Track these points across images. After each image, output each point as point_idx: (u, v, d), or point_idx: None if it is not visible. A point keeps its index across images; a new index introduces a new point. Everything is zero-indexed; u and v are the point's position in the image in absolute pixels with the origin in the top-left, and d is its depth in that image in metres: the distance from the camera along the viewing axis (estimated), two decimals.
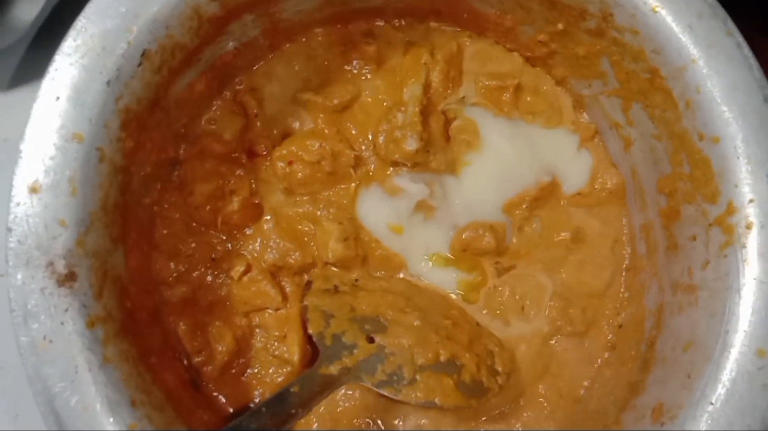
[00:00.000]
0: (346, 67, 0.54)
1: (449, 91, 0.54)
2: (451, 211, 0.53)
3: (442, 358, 0.48)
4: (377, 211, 0.52)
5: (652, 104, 0.46)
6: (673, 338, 0.44)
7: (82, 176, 0.39)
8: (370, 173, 0.53)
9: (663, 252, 0.48)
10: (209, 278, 0.51)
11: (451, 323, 0.50)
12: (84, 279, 0.39)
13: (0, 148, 0.60)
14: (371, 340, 0.48)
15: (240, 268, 0.50)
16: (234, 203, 0.51)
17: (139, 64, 0.41)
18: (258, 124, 0.52)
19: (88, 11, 0.40)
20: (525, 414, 0.52)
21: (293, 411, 0.43)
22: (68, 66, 0.39)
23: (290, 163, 0.51)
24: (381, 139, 0.52)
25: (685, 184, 0.45)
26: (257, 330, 0.51)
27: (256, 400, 0.50)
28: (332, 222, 0.52)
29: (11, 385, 0.56)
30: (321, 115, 0.53)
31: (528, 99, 0.54)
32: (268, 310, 0.51)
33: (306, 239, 0.52)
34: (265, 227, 0.52)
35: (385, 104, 0.53)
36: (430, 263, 0.53)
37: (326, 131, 0.53)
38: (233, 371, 0.50)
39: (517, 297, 0.53)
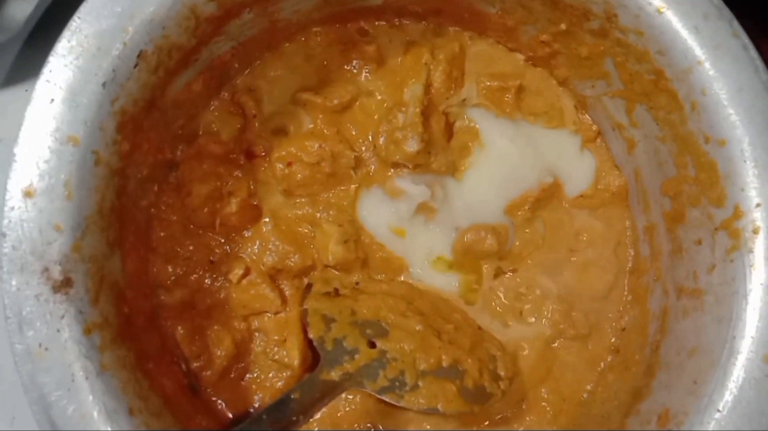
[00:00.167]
0: (345, 66, 0.53)
1: (451, 92, 0.53)
2: (452, 212, 0.52)
3: (445, 363, 0.47)
4: (378, 213, 0.52)
5: (656, 106, 0.45)
6: (678, 343, 0.44)
7: (78, 180, 0.38)
8: (371, 174, 0.52)
9: (667, 255, 0.48)
10: (207, 281, 0.50)
11: (453, 327, 0.49)
12: (80, 285, 0.38)
13: None
14: (372, 345, 0.48)
15: (239, 271, 0.50)
16: (232, 205, 0.50)
17: (135, 65, 0.40)
18: (256, 124, 0.52)
19: (82, 11, 0.39)
20: (528, 418, 0.51)
21: (294, 418, 0.42)
22: (63, 67, 0.39)
23: (289, 164, 0.51)
24: (381, 139, 0.52)
25: (690, 187, 0.44)
26: (256, 334, 0.50)
27: (256, 405, 0.49)
28: (332, 225, 0.51)
29: (7, 388, 0.56)
30: (320, 116, 0.52)
31: (530, 99, 0.54)
32: (268, 314, 0.51)
33: (305, 241, 0.51)
34: (264, 229, 0.51)
35: (385, 104, 0.52)
36: (432, 268, 0.52)
37: (326, 132, 0.52)
38: (232, 375, 0.50)
39: (519, 300, 0.53)
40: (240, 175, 0.51)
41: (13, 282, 0.37)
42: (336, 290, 0.50)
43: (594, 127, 0.54)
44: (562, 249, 0.53)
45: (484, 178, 0.52)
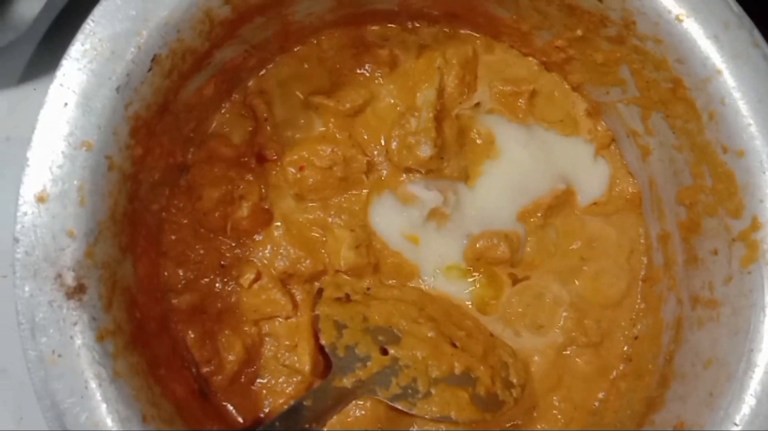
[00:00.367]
0: (358, 70, 0.53)
1: (464, 96, 0.53)
2: (464, 218, 0.52)
3: (457, 371, 0.47)
4: (390, 219, 0.51)
5: (673, 114, 0.45)
6: (693, 353, 0.44)
7: (91, 185, 0.38)
8: (382, 179, 0.52)
9: (682, 265, 0.47)
10: (218, 285, 0.50)
11: (465, 334, 0.49)
12: (93, 291, 0.38)
13: (2, 148, 0.59)
14: (385, 352, 0.47)
15: (250, 276, 0.49)
16: (243, 209, 0.50)
17: (149, 69, 0.40)
18: (268, 128, 0.51)
19: (96, 14, 0.39)
20: (539, 426, 0.51)
21: (306, 425, 0.42)
22: (76, 71, 0.38)
23: (301, 169, 0.50)
24: (394, 144, 0.51)
25: (706, 197, 0.44)
26: (267, 339, 0.50)
27: (266, 410, 0.49)
28: (344, 230, 0.51)
29: (15, 388, 0.56)
30: (332, 120, 0.52)
31: (543, 105, 0.53)
32: (278, 319, 0.50)
33: (317, 246, 0.51)
34: (275, 233, 0.51)
35: (398, 109, 0.52)
36: (444, 276, 0.52)
37: (338, 136, 0.51)
38: (242, 380, 0.50)
39: (530, 307, 0.52)
40: (251, 178, 0.51)
41: (26, 288, 0.37)
42: (347, 295, 0.50)
43: (608, 134, 0.53)
44: (575, 256, 0.53)
45: (497, 184, 0.52)
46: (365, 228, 0.51)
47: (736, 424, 0.38)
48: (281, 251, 0.50)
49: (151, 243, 0.47)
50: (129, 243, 0.42)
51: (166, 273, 0.48)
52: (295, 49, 0.52)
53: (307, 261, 0.50)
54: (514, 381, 0.49)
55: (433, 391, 0.46)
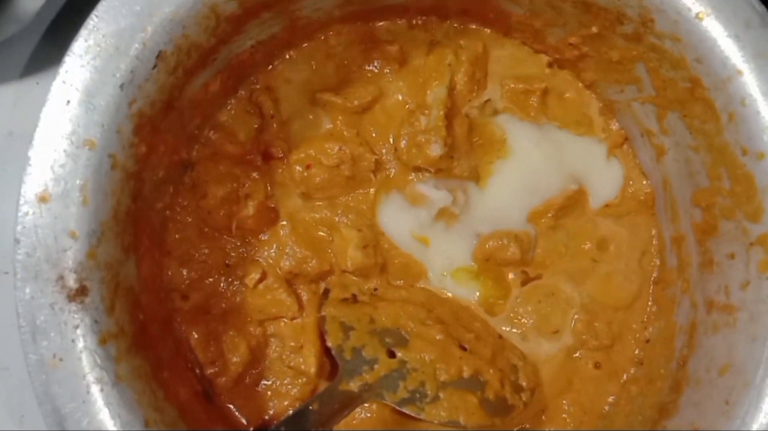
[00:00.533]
0: (366, 66, 0.51)
1: (474, 94, 0.52)
2: (473, 218, 0.51)
3: (465, 374, 0.46)
4: (399, 220, 0.50)
5: (690, 114, 0.44)
6: (708, 359, 0.43)
7: (94, 184, 0.37)
8: (390, 178, 0.51)
9: (696, 268, 0.46)
10: (223, 285, 0.49)
11: (473, 336, 0.48)
12: (95, 294, 0.37)
13: (5, 142, 0.58)
14: (392, 354, 0.47)
15: (255, 275, 0.49)
16: (249, 207, 0.49)
17: (154, 66, 0.39)
18: (274, 125, 0.50)
19: (100, 9, 0.38)
20: (547, 430, 0.50)
21: (312, 429, 0.41)
22: (79, 68, 0.37)
23: (308, 167, 0.49)
24: (403, 143, 0.50)
25: (724, 199, 0.43)
26: (272, 340, 0.49)
27: (271, 412, 0.49)
28: (351, 229, 0.50)
29: (17, 387, 0.55)
30: (340, 117, 0.51)
31: (555, 103, 0.52)
32: (284, 319, 0.50)
33: (323, 246, 0.50)
34: (281, 233, 0.50)
35: (407, 106, 0.51)
36: (453, 278, 0.51)
37: (345, 134, 0.50)
38: (247, 382, 0.49)
39: (541, 309, 0.51)
40: (257, 176, 0.50)
41: (27, 290, 0.36)
42: (354, 296, 0.49)
43: (621, 133, 0.52)
44: (586, 257, 0.52)
45: (508, 183, 0.51)
46: (373, 228, 0.51)
47: None
48: (287, 251, 0.49)
49: (155, 243, 0.46)
50: (132, 243, 0.41)
51: (169, 273, 0.48)
52: (303, 45, 0.51)
53: (314, 261, 0.49)
54: (524, 384, 0.48)
55: (441, 395, 0.45)
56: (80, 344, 0.36)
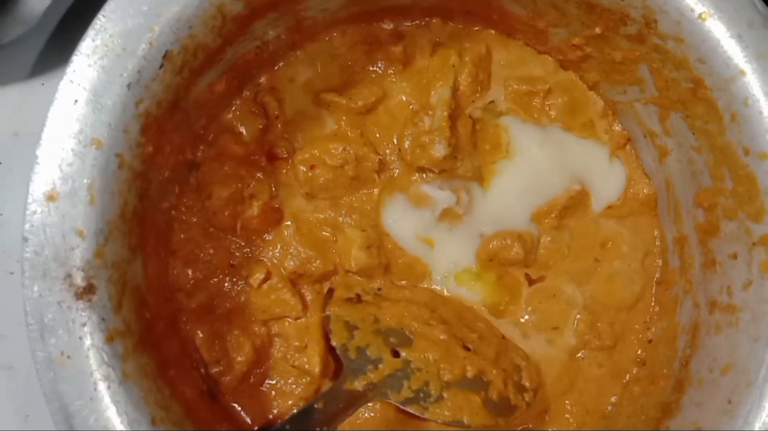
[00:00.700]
0: (370, 67, 0.52)
1: (477, 95, 0.52)
2: (477, 219, 0.51)
3: (469, 374, 0.46)
4: (404, 222, 0.51)
5: (693, 115, 0.44)
6: (711, 359, 0.43)
7: (101, 183, 0.37)
8: (394, 178, 0.51)
9: (698, 268, 0.47)
10: (227, 285, 0.49)
11: (477, 336, 0.48)
12: (103, 292, 0.37)
13: (10, 143, 0.59)
14: (396, 354, 0.47)
15: (260, 275, 0.49)
16: (253, 208, 0.49)
17: (161, 66, 0.39)
18: (279, 125, 0.51)
19: (107, 9, 0.38)
20: (550, 430, 0.50)
21: (317, 428, 0.41)
22: (87, 67, 0.37)
23: (312, 167, 0.50)
24: (407, 143, 0.50)
25: (726, 200, 0.43)
26: (276, 340, 0.50)
27: (275, 412, 0.49)
28: (355, 229, 0.50)
29: (22, 386, 0.55)
30: (344, 118, 0.51)
31: (559, 104, 0.52)
32: (288, 319, 0.50)
33: (327, 246, 0.50)
34: (286, 233, 0.50)
35: (411, 107, 0.51)
36: (455, 281, 0.51)
37: (350, 134, 0.51)
38: (251, 381, 0.49)
39: (543, 309, 0.51)
40: (262, 177, 0.50)
41: (35, 289, 0.36)
42: (358, 296, 0.50)
43: (624, 133, 0.52)
44: (589, 258, 0.52)
45: (511, 184, 0.51)
46: (376, 228, 0.51)
47: None
48: (291, 251, 0.50)
49: (160, 242, 0.46)
50: (139, 242, 0.41)
51: (175, 273, 0.48)
52: (307, 46, 0.51)
53: (318, 261, 0.50)
54: (527, 384, 0.48)
55: (445, 395, 0.46)
56: (88, 342, 0.36)
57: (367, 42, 0.52)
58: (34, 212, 0.37)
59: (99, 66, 0.38)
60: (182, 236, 0.48)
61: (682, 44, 0.42)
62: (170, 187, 0.47)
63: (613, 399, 0.51)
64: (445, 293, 0.51)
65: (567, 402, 0.51)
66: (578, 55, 0.50)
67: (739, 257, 0.42)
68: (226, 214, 0.49)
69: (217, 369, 0.48)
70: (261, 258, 0.50)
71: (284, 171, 0.51)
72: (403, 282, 0.51)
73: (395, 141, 0.51)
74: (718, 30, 0.40)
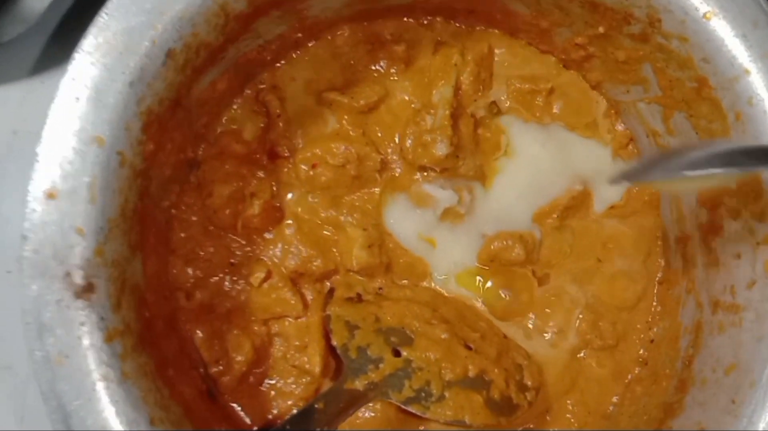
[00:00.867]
0: (372, 66, 0.52)
1: (479, 94, 0.52)
2: (478, 218, 0.51)
3: (471, 374, 0.46)
4: (406, 221, 0.50)
5: (697, 114, 0.44)
6: (714, 359, 0.43)
7: (102, 182, 0.37)
8: (396, 177, 0.51)
9: (701, 268, 0.46)
10: (227, 284, 0.49)
11: (478, 336, 0.48)
12: (102, 291, 0.37)
13: (9, 141, 0.58)
14: (397, 353, 0.47)
15: (260, 274, 0.49)
16: (254, 206, 0.49)
17: (163, 64, 0.39)
18: (280, 124, 0.50)
19: (110, 7, 0.38)
20: (551, 430, 0.50)
21: (318, 428, 0.41)
22: (89, 65, 0.37)
23: (314, 166, 0.49)
24: (408, 142, 0.50)
25: (730, 200, 0.43)
26: (276, 339, 0.49)
27: (275, 412, 0.48)
28: (356, 229, 0.50)
29: (18, 386, 0.55)
30: (346, 117, 0.51)
31: (561, 103, 0.52)
32: (288, 319, 0.49)
33: (328, 245, 0.50)
34: (287, 232, 0.50)
35: (413, 106, 0.51)
36: (457, 282, 0.51)
37: (351, 133, 0.50)
38: (251, 381, 0.49)
39: (545, 309, 0.51)
40: (263, 175, 0.50)
41: (34, 287, 0.36)
42: (359, 295, 0.49)
43: (627, 133, 0.52)
44: (591, 258, 0.52)
45: (513, 183, 0.51)
46: (378, 228, 0.50)
47: None
48: (292, 250, 0.49)
49: (160, 241, 0.46)
50: (139, 241, 0.41)
51: (174, 272, 0.48)
52: (309, 45, 0.51)
53: (319, 261, 0.49)
54: (529, 383, 0.48)
55: (446, 394, 0.45)
56: (86, 341, 0.36)
57: (370, 41, 0.52)
58: (34, 210, 0.36)
59: (101, 63, 0.37)
60: (182, 235, 0.48)
61: (687, 43, 0.42)
62: (171, 185, 0.46)
63: (614, 399, 0.50)
64: (446, 293, 0.51)
65: (568, 402, 0.50)
66: (581, 55, 0.50)
67: (743, 256, 0.42)
68: (226, 212, 0.49)
69: (216, 369, 0.47)
70: (261, 257, 0.50)
71: (286, 170, 0.50)
72: (404, 281, 0.51)
73: (397, 140, 0.51)
74: (723, 29, 0.40)
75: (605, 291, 0.52)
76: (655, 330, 0.51)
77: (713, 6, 0.40)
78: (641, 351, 0.51)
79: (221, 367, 0.48)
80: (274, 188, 0.50)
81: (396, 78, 0.51)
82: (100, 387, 0.36)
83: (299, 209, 0.50)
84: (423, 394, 0.45)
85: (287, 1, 0.44)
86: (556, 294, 0.51)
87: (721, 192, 0.44)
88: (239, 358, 0.48)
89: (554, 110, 0.52)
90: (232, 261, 0.49)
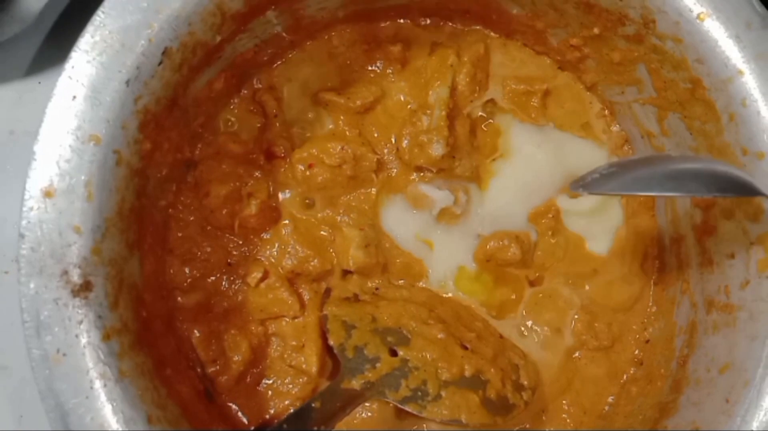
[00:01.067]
0: (369, 66, 0.52)
1: (475, 95, 0.52)
2: (474, 219, 0.51)
3: (467, 373, 0.46)
4: (403, 222, 0.51)
5: (691, 115, 0.44)
6: (708, 358, 0.43)
7: (99, 180, 0.37)
8: (392, 178, 0.51)
9: (696, 268, 0.47)
10: (224, 284, 0.49)
11: (475, 336, 0.48)
12: (100, 289, 0.37)
13: (5, 141, 0.58)
14: (394, 353, 0.47)
15: (257, 274, 0.49)
16: (251, 206, 0.49)
17: (160, 63, 0.39)
18: (277, 124, 0.50)
19: (107, 5, 0.38)
20: (547, 430, 0.50)
21: (315, 428, 0.41)
22: (86, 63, 0.37)
23: (310, 166, 0.50)
24: (405, 142, 0.50)
25: (724, 200, 0.43)
26: (273, 339, 0.49)
27: (272, 412, 0.48)
28: (353, 229, 0.50)
29: (16, 386, 0.55)
30: (342, 117, 0.51)
31: (556, 104, 0.53)
32: (285, 318, 0.49)
33: (325, 245, 0.50)
34: (283, 232, 0.50)
35: (409, 106, 0.51)
36: (454, 282, 0.51)
37: (348, 133, 0.51)
38: (248, 381, 0.49)
39: (541, 309, 0.51)
40: (260, 175, 0.50)
41: (31, 285, 0.36)
42: (356, 295, 0.49)
43: (621, 134, 0.52)
44: (586, 259, 0.52)
45: (509, 184, 0.51)
46: (374, 228, 0.51)
47: None
48: (289, 250, 0.49)
49: (158, 241, 0.46)
50: (136, 240, 0.41)
51: (171, 271, 0.48)
52: (306, 45, 0.51)
53: (315, 261, 0.49)
54: (525, 383, 0.48)
55: (443, 394, 0.46)
56: (84, 339, 0.36)
57: (366, 41, 0.52)
58: (31, 208, 0.36)
59: (98, 62, 0.37)
60: (179, 234, 0.48)
61: (681, 44, 0.42)
62: (168, 184, 0.47)
63: (610, 399, 0.51)
64: (443, 294, 0.51)
65: (564, 402, 0.51)
66: (576, 56, 0.50)
67: (737, 256, 0.42)
68: (223, 212, 0.49)
69: (213, 369, 0.47)
70: (259, 257, 0.50)
71: (282, 170, 0.50)
72: (401, 281, 0.51)
73: (393, 140, 0.51)
74: (717, 30, 0.40)
75: (601, 293, 0.52)
76: (650, 330, 0.51)
77: (707, 7, 0.40)
78: (636, 352, 0.51)
79: (218, 367, 0.48)
80: (271, 188, 0.50)
81: (392, 78, 0.52)
82: (97, 385, 0.36)
83: (296, 209, 0.50)
84: (420, 393, 0.45)
85: (283, 0, 0.44)
86: (551, 295, 0.52)
87: None
88: (236, 358, 0.48)
89: (549, 111, 0.53)
90: (229, 261, 0.49)
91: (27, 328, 0.36)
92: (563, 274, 0.52)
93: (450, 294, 0.51)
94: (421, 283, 0.51)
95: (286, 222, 0.50)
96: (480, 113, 0.52)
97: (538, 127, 0.52)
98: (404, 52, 0.52)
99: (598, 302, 0.52)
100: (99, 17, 0.38)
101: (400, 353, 0.47)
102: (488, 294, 0.51)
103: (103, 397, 0.36)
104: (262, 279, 0.49)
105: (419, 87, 0.51)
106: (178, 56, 0.40)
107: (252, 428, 0.47)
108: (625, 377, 0.51)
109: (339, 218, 0.50)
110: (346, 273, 0.50)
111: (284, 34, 0.49)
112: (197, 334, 0.47)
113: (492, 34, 0.53)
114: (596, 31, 0.46)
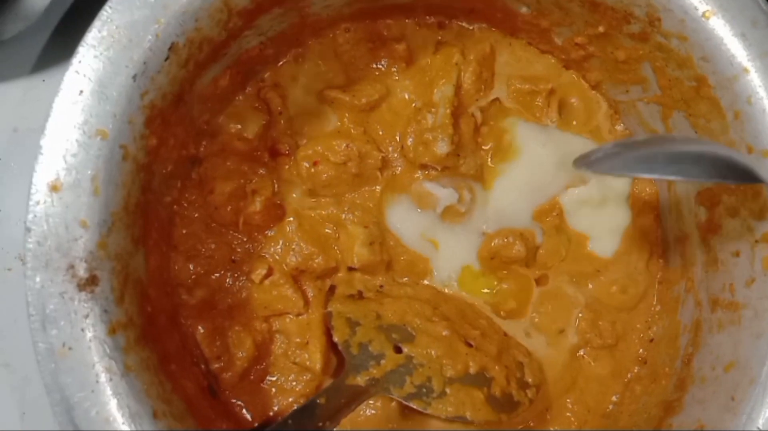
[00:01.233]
0: (374, 65, 0.52)
1: (480, 93, 0.52)
2: (479, 217, 0.51)
3: (472, 370, 0.46)
4: (408, 221, 0.51)
5: (695, 113, 0.44)
6: (713, 357, 0.43)
7: (105, 174, 0.37)
8: (397, 175, 0.51)
9: (700, 267, 0.47)
10: (229, 281, 0.49)
11: (479, 333, 0.48)
12: (105, 283, 0.37)
13: (10, 138, 0.58)
14: (398, 350, 0.47)
15: (261, 271, 0.49)
16: (256, 203, 0.49)
17: (167, 58, 0.39)
18: (281, 121, 0.51)
19: (114, 1, 0.38)
20: (551, 428, 0.50)
21: (320, 423, 0.41)
22: (93, 58, 0.37)
23: (315, 164, 0.50)
24: (409, 140, 0.50)
25: (729, 198, 0.43)
26: (277, 336, 0.49)
27: (276, 408, 0.48)
28: (357, 226, 0.50)
29: (18, 384, 0.55)
30: (347, 115, 0.51)
31: (561, 103, 0.53)
32: (289, 315, 0.49)
33: (329, 242, 0.50)
34: (288, 229, 0.50)
35: (414, 105, 0.51)
36: (458, 280, 0.51)
37: (353, 131, 0.51)
38: (252, 377, 0.49)
39: (545, 307, 0.51)
40: (264, 172, 0.50)
41: (38, 279, 0.36)
42: (360, 293, 0.49)
43: (626, 133, 0.52)
44: (590, 258, 0.52)
45: (513, 182, 0.51)
46: (379, 225, 0.51)
47: (759, 428, 0.37)
48: (293, 247, 0.49)
49: (163, 237, 0.46)
50: (141, 235, 0.41)
51: (176, 268, 0.48)
52: (311, 43, 0.51)
53: (320, 258, 0.49)
54: (530, 381, 0.48)
55: (447, 391, 0.45)
56: (90, 333, 0.36)
57: (371, 39, 0.52)
58: (38, 203, 0.36)
59: (105, 57, 0.37)
60: (184, 231, 0.48)
61: (686, 42, 0.42)
62: (173, 181, 0.47)
63: (614, 398, 0.51)
64: (448, 290, 0.51)
65: (568, 400, 0.51)
66: (581, 55, 0.50)
67: (742, 254, 0.42)
68: (228, 209, 0.49)
69: (217, 365, 0.47)
70: (263, 254, 0.50)
71: (287, 167, 0.51)
72: (405, 279, 0.51)
73: (398, 138, 0.51)
74: (722, 28, 0.40)
75: (605, 293, 0.52)
76: (654, 329, 0.51)
77: (712, 5, 0.40)
78: (641, 350, 0.51)
79: (222, 363, 0.48)
80: (276, 185, 0.50)
81: (397, 77, 0.52)
82: (103, 379, 0.36)
83: (300, 206, 0.50)
84: (424, 390, 0.45)
85: None
86: (556, 293, 0.52)
87: (720, 190, 0.44)
88: (240, 355, 0.48)
89: (553, 110, 0.53)
90: (233, 257, 0.49)
91: (33, 322, 0.36)
92: (567, 273, 0.52)
93: (455, 292, 0.51)
94: (425, 281, 0.51)
95: (291, 219, 0.50)
96: (485, 112, 0.52)
97: (543, 125, 0.52)
98: (409, 51, 0.52)
99: (603, 301, 0.52)
100: (106, 12, 0.38)
101: (405, 350, 0.47)
102: (493, 296, 0.51)
103: (108, 391, 0.36)
104: (266, 276, 0.49)
105: (424, 85, 0.51)
106: (185, 52, 0.40)
107: (256, 425, 0.47)
108: (629, 376, 0.51)
109: (344, 215, 0.50)
110: (350, 270, 0.50)
111: (289, 32, 0.49)
112: (201, 331, 0.47)
113: (497, 32, 0.53)
114: (601, 29, 0.46)
